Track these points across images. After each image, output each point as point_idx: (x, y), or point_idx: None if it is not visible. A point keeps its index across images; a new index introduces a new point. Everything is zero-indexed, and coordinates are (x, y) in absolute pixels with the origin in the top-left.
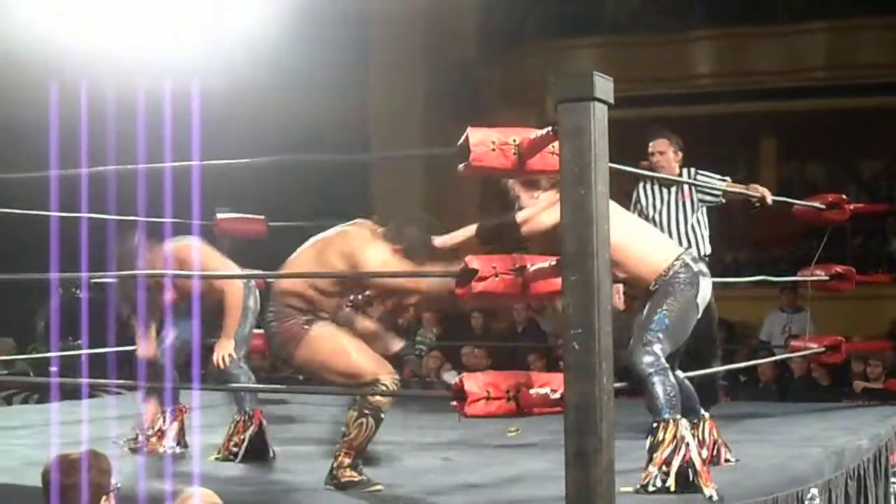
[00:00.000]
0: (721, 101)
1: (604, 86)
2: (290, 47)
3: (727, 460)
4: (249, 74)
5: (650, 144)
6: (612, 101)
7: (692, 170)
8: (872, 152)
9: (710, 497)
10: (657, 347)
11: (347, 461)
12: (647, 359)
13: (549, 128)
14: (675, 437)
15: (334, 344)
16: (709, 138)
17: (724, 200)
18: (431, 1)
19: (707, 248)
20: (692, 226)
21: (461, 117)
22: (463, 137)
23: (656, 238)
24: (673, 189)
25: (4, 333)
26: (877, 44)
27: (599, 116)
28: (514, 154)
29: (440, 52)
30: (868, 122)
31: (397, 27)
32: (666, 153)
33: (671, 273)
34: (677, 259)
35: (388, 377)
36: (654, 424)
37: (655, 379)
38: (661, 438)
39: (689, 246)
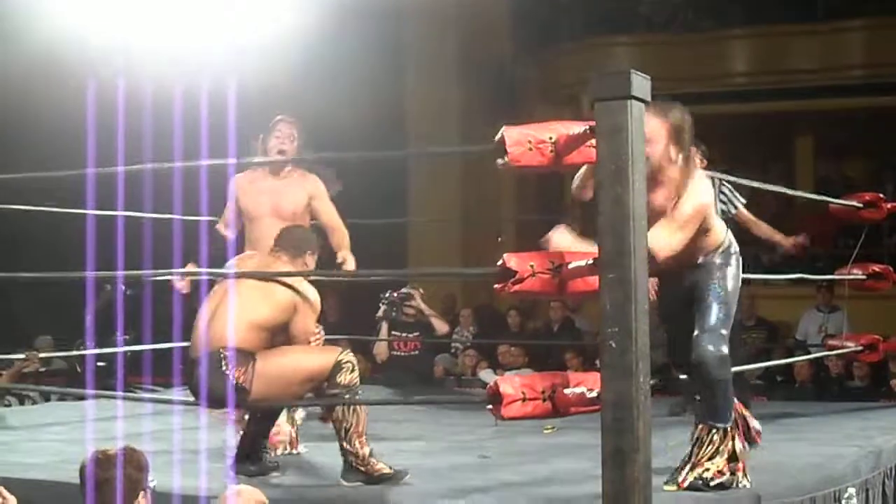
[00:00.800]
0: (758, 99)
1: (641, 84)
2: (327, 45)
3: (757, 431)
4: (285, 72)
5: None
6: (649, 99)
7: (717, 178)
8: None
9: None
10: (724, 345)
11: (367, 450)
12: (717, 361)
13: (587, 126)
14: (728, 447)
15: (281, 364)
16: (745, 137)
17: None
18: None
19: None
20: None
21: (498, 115)
22: (498, 136)
23: None
24: None
25: (45, 332)
26: None
27: (637, 115)
28: (552, 151)
29: (476, 51)
30: None
31: (433, 25)
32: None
33: (727, 243)
34: (727, 232)
35: (344, 355)
36: (709, 428)
37: (723, 384)
38: (714, 445)
39: None
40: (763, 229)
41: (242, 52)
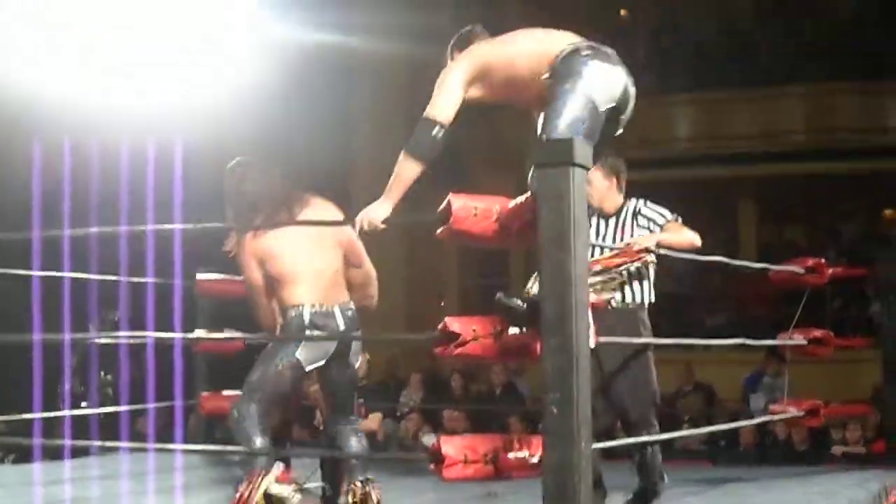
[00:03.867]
0: (700, 164)
1: (583, 150)
2: (276, 101)
3: None
4: (232, 129)
5: None
6: (591, 165)
7: (637, 201)
8: (852, 216)
9: None
10: None
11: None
12: None
13: (528, 193)
14: None
15: None
16: (688, 202)
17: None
18: (415, 62)
19: (649, 297)
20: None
21: (444, 179)
22: (444, 203)
23: None
24: (612, 221)
25: None
26: (853, 108)
27: (578, 181)
28: (496, 221)
29: (422, 113)
30: (848, 185)
31: (381, 86)
32: (591, 181)
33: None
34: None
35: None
36: None
37: None
38: None
39: (626, 292)
40: (683, 239)
41: (190, 110)
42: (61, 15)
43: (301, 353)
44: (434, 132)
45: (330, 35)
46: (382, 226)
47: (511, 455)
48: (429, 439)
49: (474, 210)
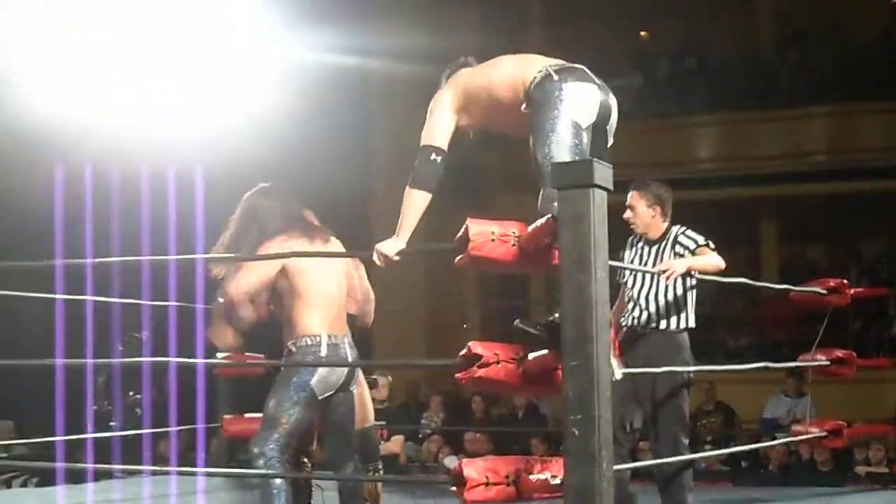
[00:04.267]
0: (722, 185)
1: (603, 172)
2: (293, 124)
3: None
4: (251, 155)
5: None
6: (611, 187)
7: (679, 228)
8: (874, 235)
9: None
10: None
11: None
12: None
13: (548, 216)
14: None
15: None
16: (711, 222)
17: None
18: (435, 85)
19: (690, 322)
20: (669, 292)
21: (461, 201)
22: (463, 229)
23: None
24: (654, 247)
25: (5, 416)
26: (876, 128)
27: (599, 202)
28: (514, 245)
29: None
30: (869, 205)
31: (399, 104)
32: (636, 208)
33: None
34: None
35: None
36: None
37: None
38: None
39: (668, 314)
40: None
41: (211, 135)
42: (83, 40)
43: (315, 382)
44: (431, 158)
45: (348, 58)
46: (396, 258)
47: (533, 477)
48: (451, 461)
49: (492, 235)
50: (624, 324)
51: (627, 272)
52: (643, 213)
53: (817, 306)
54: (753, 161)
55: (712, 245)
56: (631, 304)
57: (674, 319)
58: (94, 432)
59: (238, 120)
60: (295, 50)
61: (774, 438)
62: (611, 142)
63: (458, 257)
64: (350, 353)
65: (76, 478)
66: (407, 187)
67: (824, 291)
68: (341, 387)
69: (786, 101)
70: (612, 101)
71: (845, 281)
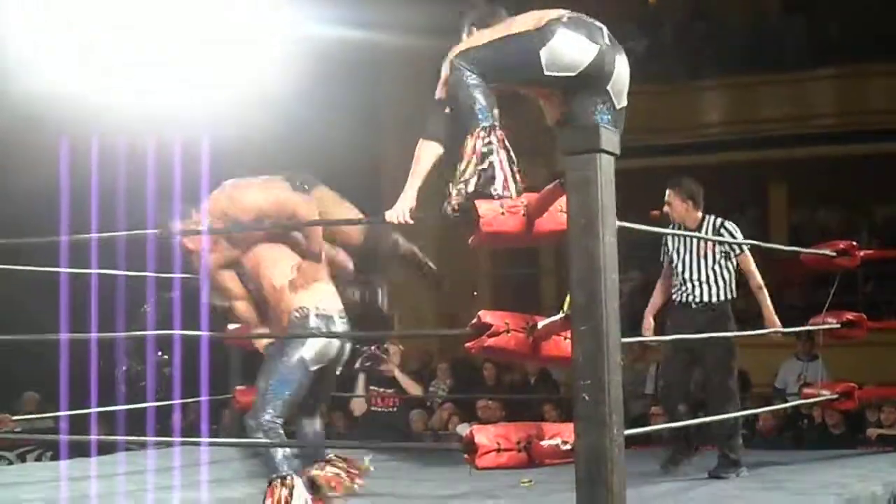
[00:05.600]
0: (731, 149)
1: (609, 137)
2: (301, 97)
3: None
4: (259, 127)
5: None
6: (618, 152)
7: (716, 219)
8: (884, 197)
9: None
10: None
11: None
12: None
13: (556, 181)
14: None
15: None
16: (718, 187)
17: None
18: (441, 49)
19: (730, 294)
20: (714, 272)
21: None
22: (470, 208)
23: None
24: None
25: (29, 388)
26: (885, 90)
27: (606, 168)
28: (524, 215)
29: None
30: (879, 167)
31: (407, 76)
32: (672, 203)
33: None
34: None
35: None
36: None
37: None
38: None
39: (710, 291)
40: (753, 280)
41: (215, 107)
42: (90, 12)
43: (307, 353)
44: (446, 110)
45: (356, 30)
46: (411, 221)
47: (544, 442)
48: (462, 429)
49: (501, 210)
50: (677, 300)
51: (675, 256)
52: (678, 206)
53: (827, 269)
54: (762, 124)
55: (746, 247)
56: (681, 284)
57: (721, 294)
58: (127, 393)
59: (246, 92)
60: (304, 22)
61: (786, 402)
62: (623, 104)
63: (470, 238)
64: (342, 327)
65: (82, 451)
66: (420, 140)
67: (834, 253)
68: (335, 359)
69: (793, 63)
70: (618, 62)
71: (855, 243)
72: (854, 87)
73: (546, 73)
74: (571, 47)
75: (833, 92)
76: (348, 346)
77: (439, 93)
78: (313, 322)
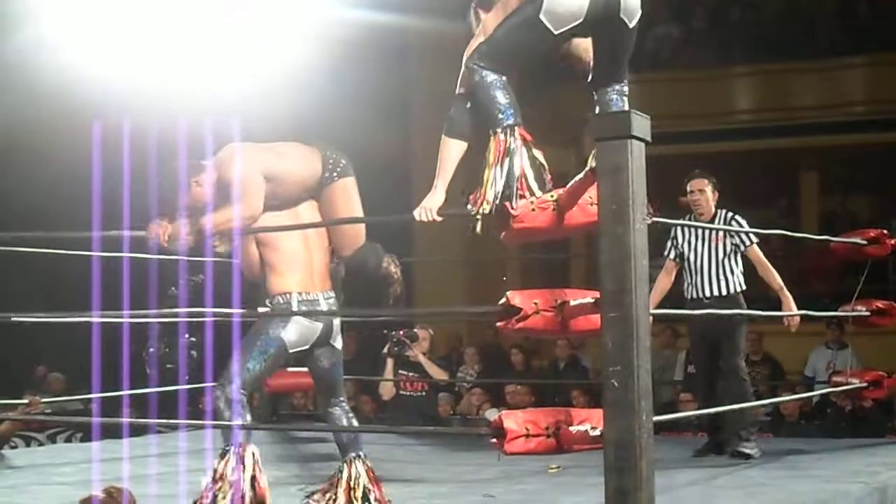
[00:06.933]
0: (762, 136)
1: (640, 123)
2: (332, 82)
3: None
4: (290, 110)
5: (689, 183)
6: (649, 138)
7: (727, 213)
8: None
9: None
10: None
11: None
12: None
13: (587, 169)
14: None
15: None
16: (749, 173)
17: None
18: (470, 34)
19: (740, 286)
20: (724, 264)
21: None
22: (500, 205)
23: None
24: (708, 228)
25: (58, 368)
26: None
27: (637, 154)
28: (554, 210)
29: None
30: None
31: (438, 63)
32: (705, 191)
33: None
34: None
35: None
36: None
37: None
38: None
39: (720, 282)
40: (767, 273)
41: (247, 91)
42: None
43: (286, 335)
44: (468, 106)
45: (389, 15)
46: (439, 218)
47: (573, 428)
48: (491, 414)
49: (531, 205)
50: (690, 296)
51: (687, 248)
52: (710, 196)
53: (857, 257)
54: (793, 112)
55: (755, 239)
56: (692, 277)
57: (733, 286)
58: (154, 375)
59: (277, 76)
60: (333, 5)
61: (812, 389)
62: (634, 23)
63: (502, 234)
64: (327, 308)
65: (113, 433)
66: (443, 136)
67: (864, 242)
68: (319, 341)
69: (825, 51)
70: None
71: (885, 231)
72: (886, 76)
73: (556, 33)
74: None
75: (865, 80)
76: (336, 323)
77: (460, 88)
78: (296, 308)
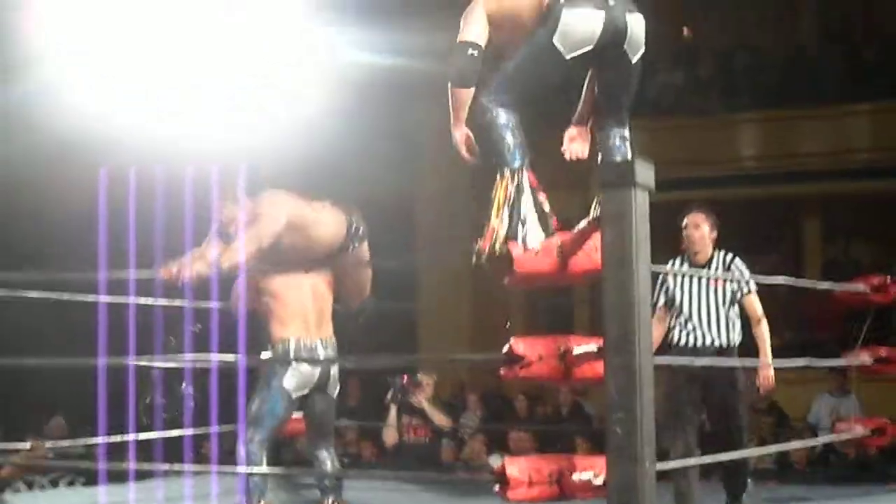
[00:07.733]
0: (766, 183)
1: (644, 171)
2: (340, 129)
3: None
4: (296, 156)
5: (686, 218)
6: (652, 186)
7: (726, 254)
8: None
9: None
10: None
11: None
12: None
13: (589, 218)
14: None
15: None
16: (754, 219)
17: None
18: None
19: (738, 337)
20: (722, 313)
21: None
22: (504, 250)
23: None
24: (705, 271)
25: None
26: None
27: (640, 201)
28: (558, 255)
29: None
30: None
31: (446, 111)
32: (700, 227)
33: None
34: None
35: None
36: None
37: None
38: None
39: (719, 333)
40: (758, 328)
41: (253, 137)
42: (128, 43)
43: (287, 382)
44: (469, 53)
45: (396, 59)
46: (468, 151)
47: (575, 476)
48: (494, 460)
49: (534, 250)
50: (681, 343)
51: (679, 294)
52: (707, 234)
53: (861, 304)
54: (797, 158)
55: (754, 288)
56: (685, 324)
57: (732, 337)
58: (145, 422)
59: (283, 120)
60: (343, 50)
61: (816, 437)
62: (637, 58)
63: (505, 279)
64: (325, 354)
65: (119, 478)
66: (449, 86)
67: (868, 289)
68: (318, 386)
69: (830, 98)
70: (630, 18)
71: (889, 278)
72: (891, 122)
73: (568, 57)
74: (579, 22)
75: (870, 127)
76: (334, 370)
77: (461, 36)
78: (293, 354)
